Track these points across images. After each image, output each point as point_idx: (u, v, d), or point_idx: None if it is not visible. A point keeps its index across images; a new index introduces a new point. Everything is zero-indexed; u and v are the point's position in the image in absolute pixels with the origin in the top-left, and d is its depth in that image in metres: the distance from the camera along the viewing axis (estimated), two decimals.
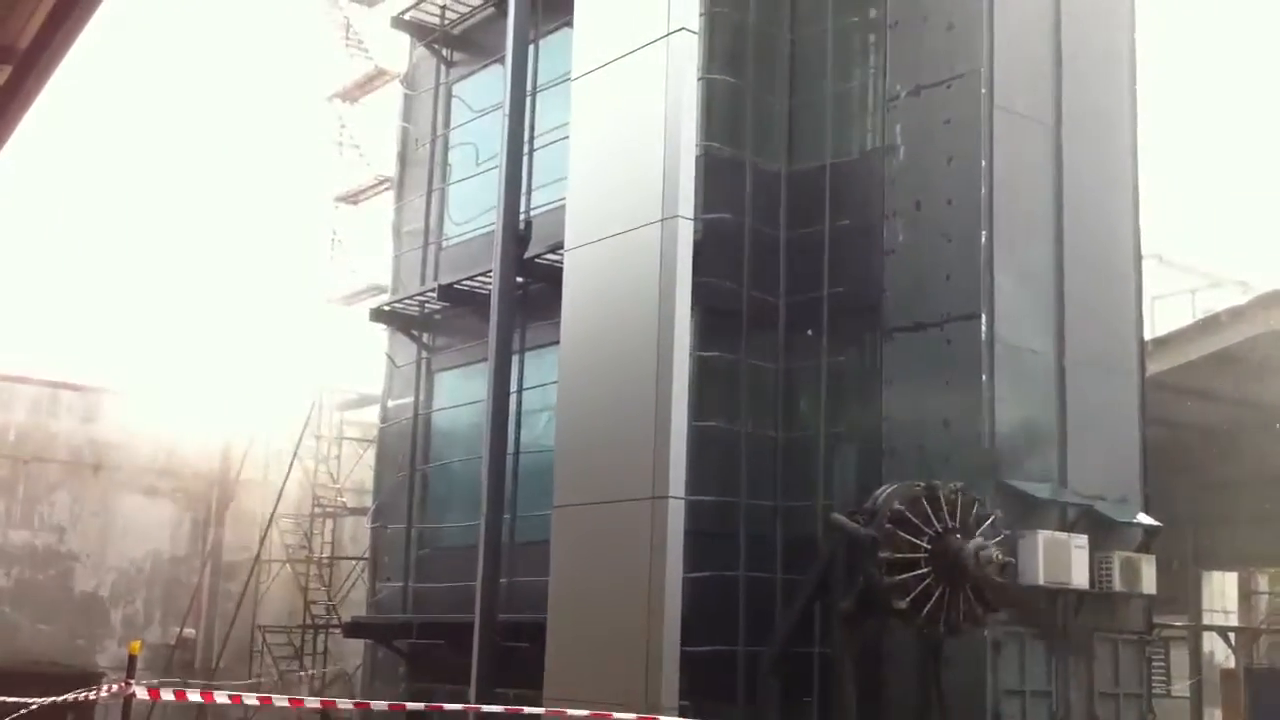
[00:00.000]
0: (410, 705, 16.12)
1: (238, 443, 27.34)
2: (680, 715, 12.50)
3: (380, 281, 22.44)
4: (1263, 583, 36.90)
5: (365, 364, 23.70)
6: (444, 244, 20.31)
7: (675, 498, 13.62)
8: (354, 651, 23.21)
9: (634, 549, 13.69)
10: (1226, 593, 32.52)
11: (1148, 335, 17.79)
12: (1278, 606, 35.58)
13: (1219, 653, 27.35)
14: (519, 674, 15.12)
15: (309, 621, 24.85)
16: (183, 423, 26.75)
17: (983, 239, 14.97)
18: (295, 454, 25.20)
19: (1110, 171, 16.77)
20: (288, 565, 26.18)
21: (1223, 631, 24.02)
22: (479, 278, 17.97)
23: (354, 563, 24.91)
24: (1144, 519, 15.98)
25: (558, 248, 15.98)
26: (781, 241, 16.62)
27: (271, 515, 25.17)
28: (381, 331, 21.12)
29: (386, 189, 22.83)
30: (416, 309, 20.09)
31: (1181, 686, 26.41)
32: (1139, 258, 16.92)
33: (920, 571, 12.12)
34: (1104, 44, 16.94)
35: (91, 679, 21.59)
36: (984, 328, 14.80)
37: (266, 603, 26.99)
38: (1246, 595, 34.66)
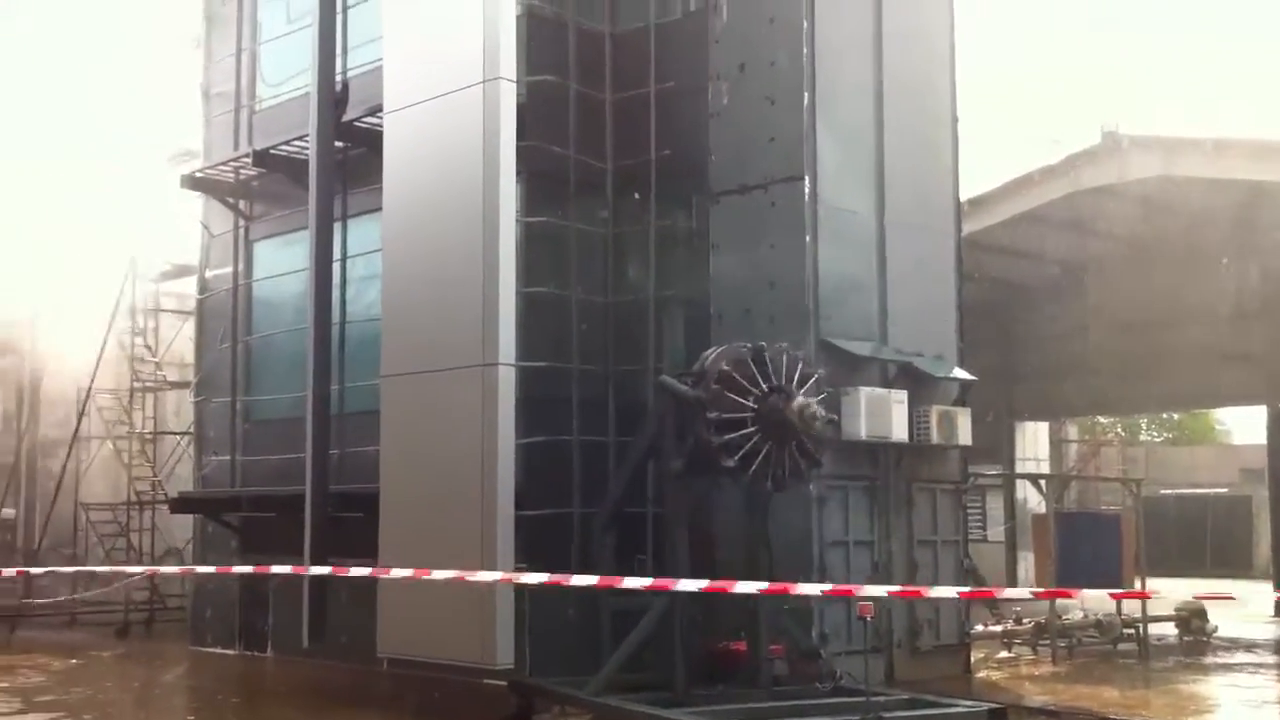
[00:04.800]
0: (237, 569, 15.96)
1: (46, 317, 26.28)
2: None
3: (193, 147, 21.53)
4: (1072, 431, 38.88)
5: (180, 233, 22.86)
6: (257, 107, 19.57)
7: (505, 364, 13.60)
8: (183, 528, 22.83)
9: (465, 417, 13.67)
10: (1039, 441, 34.18)
11: (963, 196, 18.21)
12: (1085, 453, 37.59)
13: (1032, 499, 28.78)
14: (353, 544, 15.06)
15: (134, 498, 24.29)
16: None
17: (805, 101, 15.06)
18: (110, 327, 24.33)
19: (928, 31, 16.99)
20: (109, 442, 25.46)
21: (1034, 479, 25.20)
22: (295, 142, 17.38)
23: (178, 438, 24.36)
24: (960, 374, 16.56)
25: (377, 110, 15.54)
26: (608, 104, 16.46)
27: (89, 391, 24.35)
28: (196, 199, 20.35)
29: (194, 48, 21.78)
30: (231, 176, 19.40)
31: (996, 532, 27.82)
32: (955, 119, 17.23)
33: (747, 430, 12.36)
34: None
35: None
36: (807, 189, 14.97)
37: (89, 481, 26.30)
38: (1057, 444, 36.50)
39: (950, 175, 17.19)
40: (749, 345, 12.91)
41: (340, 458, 16.52)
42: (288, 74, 18.61)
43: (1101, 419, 40.80)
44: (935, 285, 16.72)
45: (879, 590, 13.06)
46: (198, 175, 19.61)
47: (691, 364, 13.27)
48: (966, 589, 15.60)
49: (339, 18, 16.73)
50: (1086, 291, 27.13)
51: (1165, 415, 51.99)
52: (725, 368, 12.62)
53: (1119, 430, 45.02)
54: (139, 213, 24.78)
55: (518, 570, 13.18)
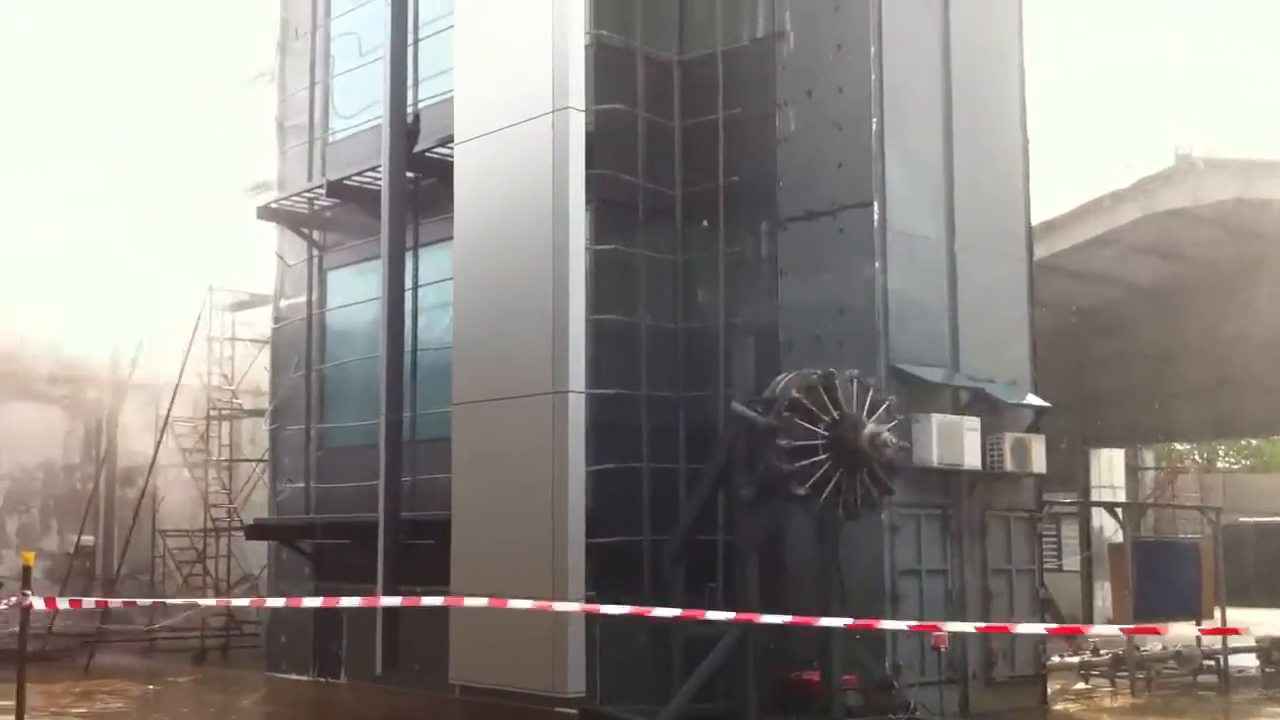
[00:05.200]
0: (307, 602, 16.11)
1: (126, 347, 26.75)
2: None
3: (267, 178, 21.87)
4: (1148, 458, 38.26)
5: (255, 263, 23.18)
6: (330, 139, 19.86)
7: (575, 391, 13.64)
8: (258, 554, 23.08)
9: (536, 444, 13.72)
10: (1114, 469, 33.64)
11: (1035, 219, 18.04)
12: (1161, 481, 36.94)
13: (1108, 528, 28.33)
14: (425, 571, 15.17)
15: (210, 525, 24.60)
16: (69, 327, 26.05)
17: (873, 126, 15.01)
18: (187, 356, 24.71)
19: (998, 57, 16.85)
20: (185, 469, 25.83)
21: (1110, 507, 24.81)
22: (368, 173, 17.61)
23: (253, 465, 24.65)
24: (1033, 400, 16.36)
25: (447, 141, 15.71)
26: (676, 132, 16.51)
27: (166, 419, 24.72)
28: (270, 229, 20.67)
29: (269, 82, 22.15)
30: (305, 206, 19.69)
31: (1072, 561, 27.42)
32: (1026, 142, 17.09)
33: (818, 458, 12.31)
34: None
35: None
36: (876, 215, 14.90)
37: (166, 508, 26.64)
38: (1133, 470, 35.90)
39: (1021, 198, 17.02)
40: (819, 372, 12.87)
41: (412, 485, 16.65)
42: (360, 106, 18.87)
43: (1178, 445, 40.11)
44: (1007, 310, 16.54)
45: (964, 626, 12.88)
46: (273, 206, 19.92)
47: (762, 390, 13.24)
48: (1048, 624, 15.29)
49: (410, 50, 16.96)
50: (1161, 316, 26.75)
51: (1243, 441, 51.02)
52: (796, 394, 12.58)
53: (1196, 457, 44.23)
54: (216, 243, 25.17)
55: (588, 598, 13.19)
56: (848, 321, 14.94)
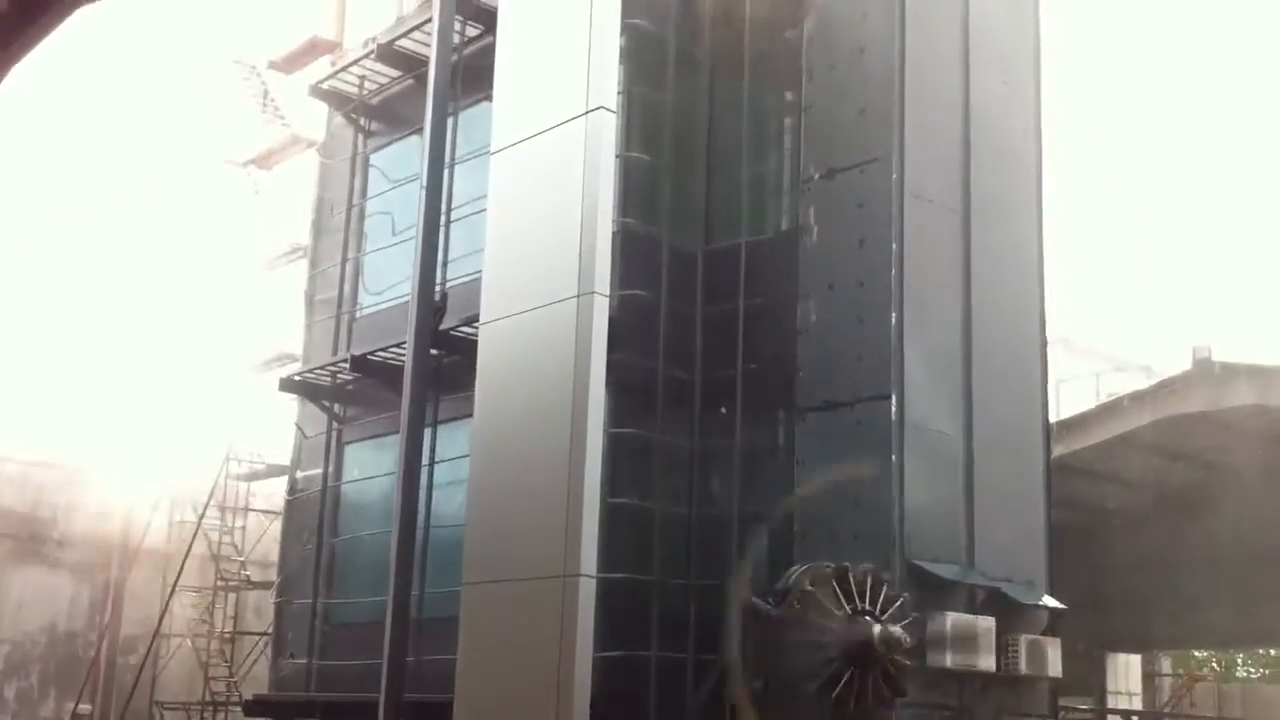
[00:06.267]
0: None
1: (139, 513, 26.73)
2: None
3: (291, 350, 22.15)
4: (1165, 665, 37.48)
5: (273, 433, 23.31)
6: (358, 314, 20.14)
7: (587, 576, 13.51)
8: None
9: (544, 628, 13.53)
10: (1130, 675, 32.94)
11: (1053, 418, 18.06)
12: (1179, 689, 36.12)
13: None
14: None
15: (208, 698, 24.19)
16: (83, 492, 26.10)
17: (893, 321, 15.16)
18: (199, 525, 24.67)
19: (1016, 256, 17.10)
20: (188, 640, 25.53)
21: (1126, 714, 24.25)
22: (393, 349, 17.81)
23: (257, 638, 24.36)
24: (1049, 601, 16.11)
25: (473, 320, 15.91)
26: (697, 319, 16.69)
27: (173, 588, 24.57)
28: (291, 401, 20.81)
29: (300, 257, 22.63)
30: (328, 379, 19.85)
31: None
32: (1044, 341, 17.23)
33: (830, 654, 12.10)
34: (1012, 132, 17.34)
35: None
36: (894, 409, 14.94)
37: (165, 678, 26.28)
38: (1150, 677, 35.13)
39: (1039, 397, 17.07)
40: (832, 565, 12.75)
41: (418, 665, 16.36)
42: (388, 283, 19.19)
43: (1196, 653, 39.33)
44: (1024, 509, 16.43)
45: None
46: (296, 379, 20.10)
47: (774, 582, 13.10)
48: None
49: (442, 231, 17.31)
50: (1181, 520, 26.52)
51: (1262, 651, 50.00)
52: (808, 587, 12.46)
53: (1214, 665, 43.32)
54: (236, 412, 25.38)
55: None
56: (863, 514, 14.85)
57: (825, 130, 16.25)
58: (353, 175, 20.88)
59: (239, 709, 22.12)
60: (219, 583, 24.93)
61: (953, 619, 14.58)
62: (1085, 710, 26.01)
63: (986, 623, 14.92)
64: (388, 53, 19.65)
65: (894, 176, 15.45)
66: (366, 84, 20.53)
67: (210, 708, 24.12)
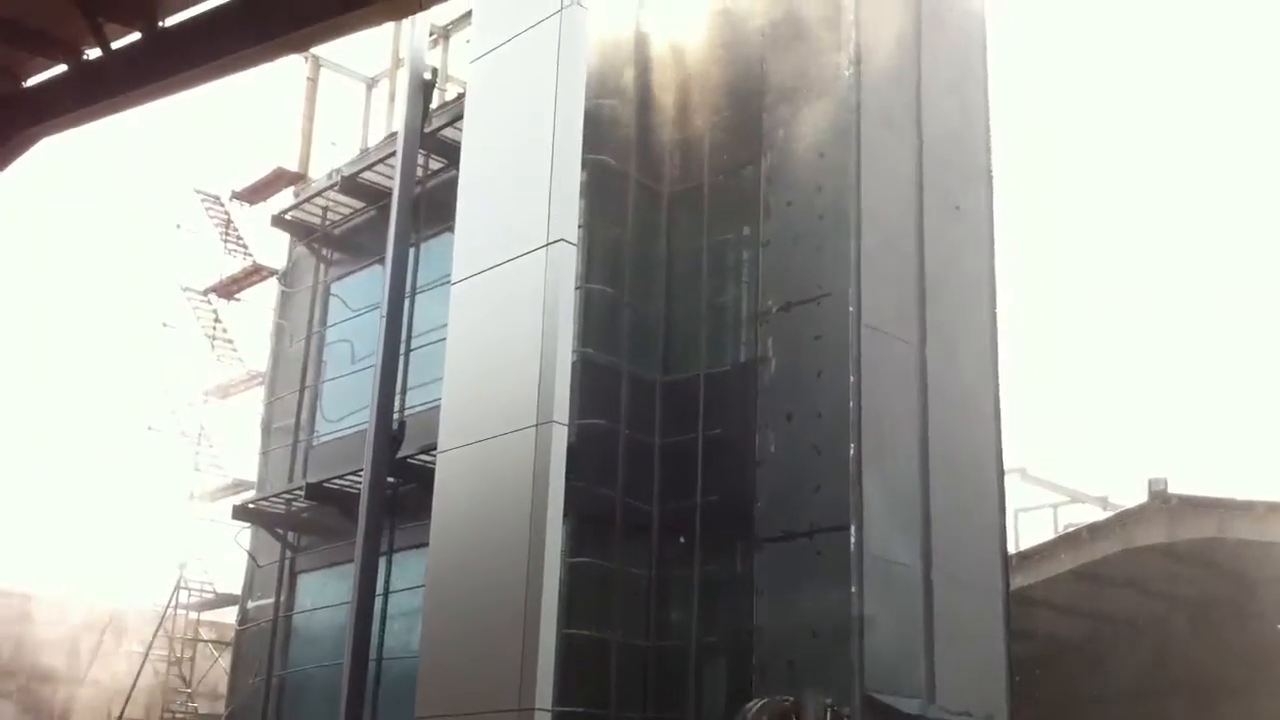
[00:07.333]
0: None
1: (86, 642, 26.15)
2: None
3: (245, 478, 21.94)
4: None
5: (225, 562, 22.95)
6: (315, 441, 20.03)
7: (541, 709, 13.30)
8: None
9: None
10: None
11: (1011, 549, 18.07)
12: None
13: None
14: None
15: None
16: (28, 620, 25.54)
17: (851, 451, 15.21)
18: (145, 656, 24.11)
19: (972, 388, 17.26)
20: None
21: None
22: (349, 477, 17.69)
23: None
24: None
25: (430, 449, 15.86)
26: (655, 449, 16.70)
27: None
28: (244, 529, 20.55)
29: (258, 384, 22.54)
30: (282, 507, 19.65)
31: None
32: (1001, 473, 17.30)
33: None
34: (967, 266, 17.63)
35: None
36: (853, 539, 14.91)
37: None
38: None
39: (998, 528, 17.09)
40: (791, 698, 12.61)
41: None
42: (347, 410, 19.14)
43: None
44: (984, 641, 16.34)
45: None
46: (250, 506, 19.89)
47: (732, 715, 12.93)
48: None
49: (401, 359, 17.33)
50: (1143, 651, 26.40)
51: None
52: None
53: None
54: (187, 541, 24.99)
55: None
56: (822, 645, 14.73)
57: (782, 264, 16.46)
58: (313, 304, 20.96)
59: None
60: (165, 715, 24.27)
61: None
62: None
63: None
64: (351, 184, 19.89)
65: (850, 309, 15.64)
66: (330, 214, 20.71)
67: None
